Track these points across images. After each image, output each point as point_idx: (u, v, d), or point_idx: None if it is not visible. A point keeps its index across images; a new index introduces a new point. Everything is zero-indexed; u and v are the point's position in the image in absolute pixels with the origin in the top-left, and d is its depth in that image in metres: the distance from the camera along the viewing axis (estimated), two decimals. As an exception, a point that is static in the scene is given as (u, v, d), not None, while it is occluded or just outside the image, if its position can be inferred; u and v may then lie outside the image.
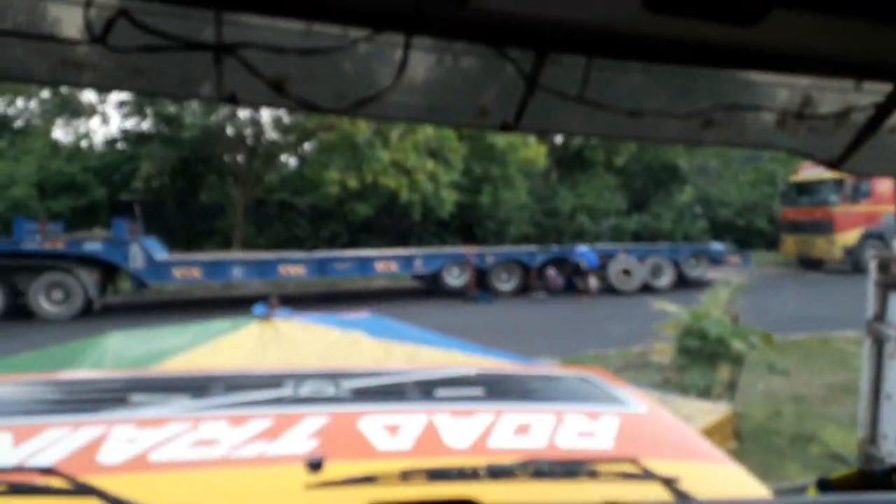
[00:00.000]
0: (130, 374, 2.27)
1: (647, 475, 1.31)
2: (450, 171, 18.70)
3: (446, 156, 18.71)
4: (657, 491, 1.30)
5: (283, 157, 22.99)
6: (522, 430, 1.65)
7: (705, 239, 21.99)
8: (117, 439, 1.46)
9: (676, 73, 1.07)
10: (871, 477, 1.31)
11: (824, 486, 1.31)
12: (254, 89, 0.97)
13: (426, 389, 1.99)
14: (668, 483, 1.31)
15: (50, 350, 3.77)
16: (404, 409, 1.77)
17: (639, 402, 2.01)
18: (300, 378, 1.97)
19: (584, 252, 16.29)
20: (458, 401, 1.88)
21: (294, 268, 15.27)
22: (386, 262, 15.95)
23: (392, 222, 20.34)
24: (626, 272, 16.82)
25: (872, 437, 4.52)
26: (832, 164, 1.21)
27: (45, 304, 13.47)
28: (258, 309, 3.48)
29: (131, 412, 1.65)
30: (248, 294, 16.96)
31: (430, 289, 16.77)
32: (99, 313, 13.62)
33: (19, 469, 1.20)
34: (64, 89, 21.58)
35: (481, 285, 16.00)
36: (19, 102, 22.33)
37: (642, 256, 17.20)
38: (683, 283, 16.79)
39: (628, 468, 1.33)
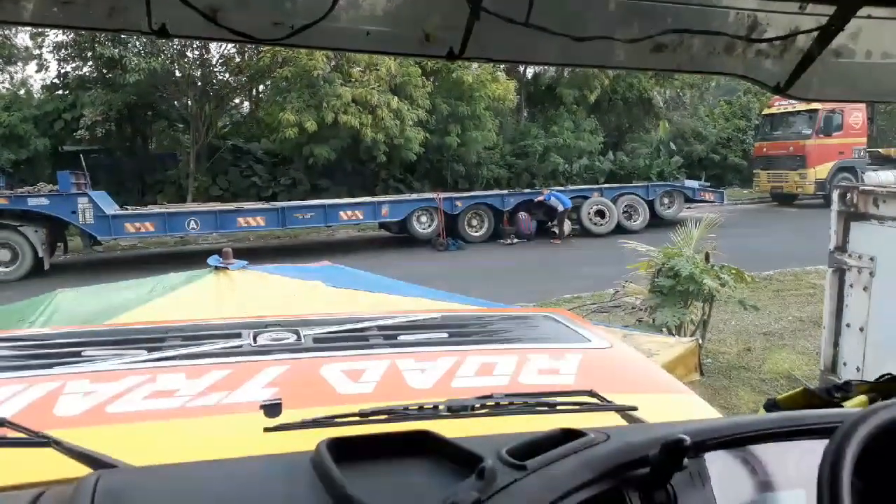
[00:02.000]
0: (84, 329, 2.23)
1: (604, 406, 1.32)
2: (415, 109, 17.81)
3: (411, 92, 17.80)
4: (614, 421, 1.30)
5: (236, 101, 21.89)
6: (486, 370, 1.67)
7: (680, 176, 21.60)
8: (73, 393, 1.44)
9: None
10: (815, 395, 1.34)
11: (771, 406, 1.36)
12: (186, 20, 0.97)
13: (389, 335, 1.99)
14: (625, 412, 1.33)
15: None
16: (367, 355, 1.75)
17: (601, 339, 2.02)
18: (259, 328, 1.95)
19: (556, 194, 15.83)
20: (422, 345, 1.89)
21: (253, 219, 14.63)
22: (351, 210, 15.32)
23: (355, 167, 19.51)
24: (600, 213, 16.40)
25: (833, 366, 4.60)
26: (778, 89, 1.25)
27: (-10, 264, 12.73)
28: (213, 260, 3.41)
29: (86, 366, 1.62)
30: (205, 248, 16.27)
31: (398, 237, 16.20)
32: (49, 273, 12.94)
33: None
34: (-5, 31, 20.09)
35: (451, 232, 15.46)
36: (-51, 47, 20.79)
37: (616, 197, 16.78)
38: (658, 223, 16.46)
39: (586, 399, 1.33)
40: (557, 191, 16.38)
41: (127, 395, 1.45)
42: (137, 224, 13.96)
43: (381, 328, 2.08)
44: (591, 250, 14.13)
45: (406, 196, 16.92)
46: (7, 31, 20.87)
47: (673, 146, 24.53)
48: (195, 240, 16.15)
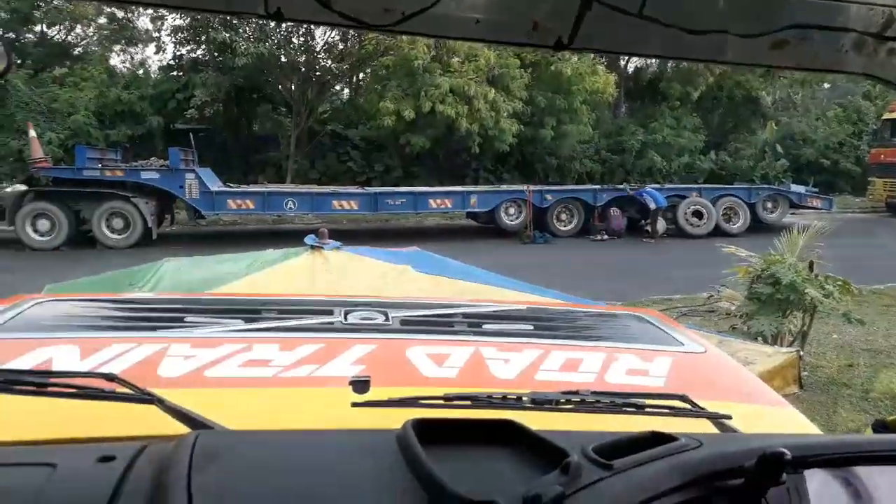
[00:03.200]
0: (187, 296, 2.34)
1: (697, 412, 1.27)
2: (511, 100, 17.69)
3: (508, 83, 17.69)
4: (706, 429, 1.24)
5: (337, 87, 22.46)
6: (571, 365, 1.63)
7: (786, 180, 20.46)
8: (175, 356, 1.51)
9: None
10: None
11: (880, 427, 1.27)
12: (300, 4, 1.01)
13: (474, 323, 1.99)
14: (718, 420, 1.27)
15: (110, 274, 3.96)
16: (452, 341, 1.76)
17: (695, 343, 1.93)
18: (350, 307, 1.98)
19: (651, 192, 15.31)
20: (507, 335, 1.86)
21: (347, 202, 15.00)
22: (441, 198, 15.42)
23: (448, 156, 19.61)
24: (697, 214, 15.76)
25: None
26: None
27: (106, 231, 13.74)
28: (310, 239, 3.55)
29: (188, 332, 1.71)
30: (301, 228, 16.83)
31: (486, 228, 16.18)
32: (156, 242, 13.77)
33: (85, 375, 1.23)
34: (120, 14, 21.44)
35: (539, 225, 15.28)
36: (78, 29, 22.36)
37: (715, 198, 16.07)
38: (759, 228, 15.67)
39: (677, 404, 1.28)
40: (653, 188, 15.86)
41: (224, 362, 1.51)
42: (239, 201, 14.61)
43: (466, 315, 2.08)
44: (685, 252, 13.64)
45: (496, 187, 16.85)
46: (129, 14, 22.26)
47: (780, 149, 23.25)
48: (291, 219, 16.71)
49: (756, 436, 1.14)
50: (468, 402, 1.21)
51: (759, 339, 5.51)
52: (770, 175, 21.32)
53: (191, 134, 15.63)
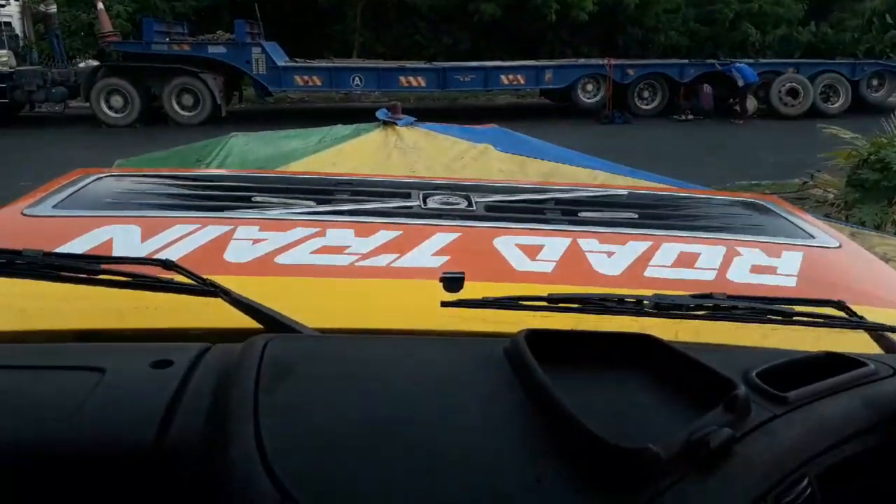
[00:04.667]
0: (256, 174, 2.21)
1: (856, 322, 1.09)
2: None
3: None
4: (864, 342, 1.08)
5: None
6: (686, 260, 1.43)
7: (893, 55, 18.52)
8: (243, 239, 1.40)
9: None
10: None
11: None
12: None
13: (569, 210, 1.81)
14: (884, 334, 1.08)
15: (178, 149, 3.85)
16: (545, 230, 1.57)
17: (828, 236, 1.70)
18: (429, 189, 1.83)
19: (742, 67, 14.14)
20: (607, 224, 1.65)
21: (415, 78, 14.56)
22: (513, 74, 14.73)
23: (521, 27, 18.48)
24: (792, 92, 14.54)
25: None
26: None
27: (177, 108, 13.86)
28: (381, 114, 3.31)
29: (256, 213, 1.58)
30: (368, 106, 16.50)
31: (561, 107, 15.42)
32: (226, 119, 13.82)
33: (140, 261, 1.11)
34: None
35: (619, 103, 14.45)
36: None
37: (814, 74, 14.73)
38: (861, 108, 14.43)
39: (831, 312, 1.09)
40: (743, 63, 14.60)
41: (296, 247, 1.38)
42: (306, 77, 14.34)
43: (559, 201, 1.89)
44: (777, 133, 12.79)
45: (573, 61, 15.87)
46: None
47: (889, 19, 20.91)
48: (358, 97, 16.39)
49: None
50: (578, 306, 1.05)
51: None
52: (877, 49, 19.31)
53: (256, 6, 15.16)
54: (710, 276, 1.38)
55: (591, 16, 17.52)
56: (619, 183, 2.65)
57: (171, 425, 0.71)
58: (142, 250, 1.31)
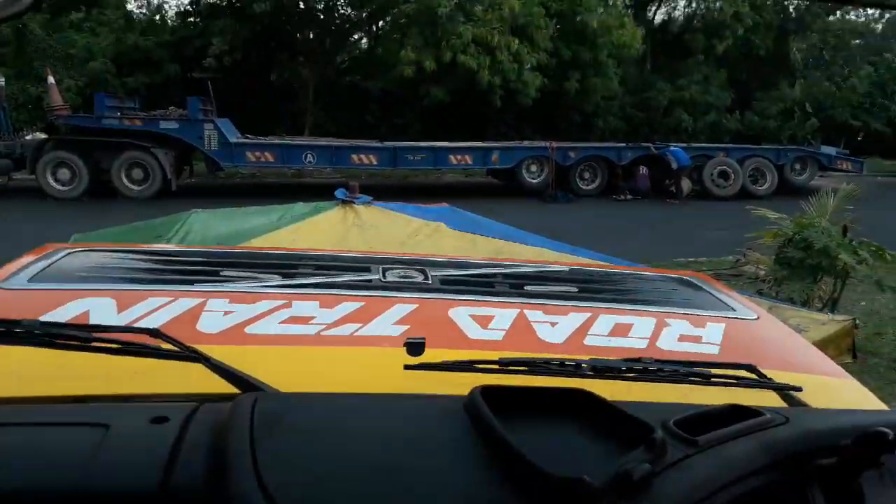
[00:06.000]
0: (221, 249, 2.30)
1: (765, 383, 1.22)
2: (535, 52, 17.26)
3: (532, 34, 17.23)
4: (773, 401, 1.20)
5: (356, 36, 22.04)
6: (621, 330, 1.57)
7: (815, 141, 19.98)
8: (214, 311, 1.47)
9: None
10: None
11: None
12: None
13: (516, 284, 1.93)
14: (787, 392, 1.23)
15: (136, 224, 3.92)
16: (494, 302, 1.69)
17: (748, 309, 1.86)
18: (387, 264, 1.95)
19: (675, 151, 15.00)
20: (551, 297, 1.79)
21: (366, 156, 14.84)
22: (461, 154, 15.22)
23: (468, 110, 19.26)
24: (724, 175, 15.45)
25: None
26: None
27: (126, 182, 13.72)
28: (340, 193, 3.47)
29: (225, 286, 1.66)
30: (320, 182, 16.71)
31: (507, 186, 15.97)
32: (176, 194, 13.70)
33: (129, 329, 1.19)
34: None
35: (562, 184, 15.05)
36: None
37: (742, 158, 15.73)
38: (787, 190, 15.38)
39: (744, 374, 1.23)
40: (677, 147, 15.52)
41: (264, 318, 1.46)
42: (258, 153, 14.47)
43: (507, 276, 2.01)
44: (710, 213, 13.43)
45: (518, 143, 16.56)
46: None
47: (809, 108, 22.64)
48: (310, 173, 16.59)
49: (843, 412, 1.10)
50: (525, 368, 1.16)
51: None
52: (799, 136, 20.81)
53: (209, 83, 15.39)
54: (642, 344, 1.52)
55: (535, 101, 18.40)
56: (562, 260, 2.82)
57: (173, 471, 0.80)
58: (119, 321, 1.37)
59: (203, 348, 1.14)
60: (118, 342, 1.09)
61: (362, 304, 1.58)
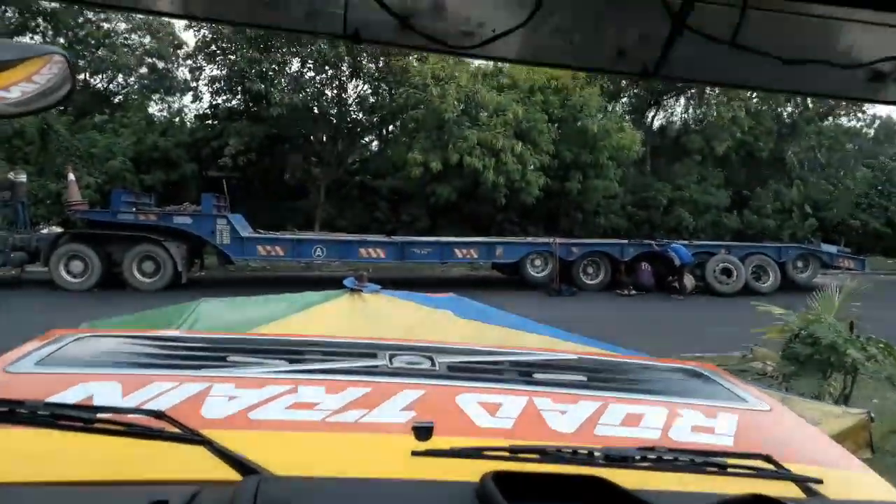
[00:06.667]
0: (229, 336, 2.31)
1: (782, 474, 1.20)
2: (538, 154, 17.89)
3: (535, 138, 17.93)
4: (792, 492, 1.19)
5: (367, 139, 22.89)
6: (632, 420, 1.54)
7: (815, 240, 20.26)
8: (219, 396, 1.47)
9: (844, 20, 1.00)
10: None
11: None
12: (379, 25, 0.99)
13: (524, 371, 1.92)
14: (806, 484, 1.20)
15: (145, 313, 3.91)
16: (503, 389, 1.66)
17: (760, 400, 1.82)
18: (394, 350, 1.94)
19: (677, 248, 15.23)
20: (560, 385, 1.76)
21: (374, 250, 15.09)
22: (466, 248, 15.47)
23: (473, 207, 19.77)
24: (726, 272, 15.61)
25: None
26: None
27: (137, 274, 13.90)
28: (349, 282, 3.48)
29: (231, 371, 1.66)
30: (329, 275, 16.91)
31: (511, 279, 16.14)
32: (186, 286, 13.86)
33: (133, 411, 1.19)
34: (160, 65, 22.17)
35: (565, 278, 15.22)
36: (119, 78, 23.17)
37: (744, 256, 15.93)
38: (789, 287, 15.46)
39: (760, 464, 1.21)
40: (680, 244, 15.78)
41: (269, 403, 1.45)
42: (269, 247, 14.73)
43: (514, 363, 2.01)
44: (714, 309, 13.44)
45: (522, 239, 16.88)
46: (169, 65, 23.04)
47: (808, 208, 23.11)
48: (319, 266, 16.80)
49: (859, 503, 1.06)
50: (536, 456, 1.14)
51: (799, 401, 5.33)
52: (798, 234, 21.12)
53: (224, 181, 15.90)
54: (654, 434, 1.47)
55: (537, 199, 18.89)
56: (569, 348, 2.79)
57: None
58: (124, 405, 1.36)
59: (207, 433, 1.13)
60: (121, 423, 1.09)
61: (369, 389, 1.56)
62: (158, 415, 1.11)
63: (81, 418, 1.08)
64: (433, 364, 1.83)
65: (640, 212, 21.08)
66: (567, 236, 17.85)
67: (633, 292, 15.05)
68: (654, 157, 24.01)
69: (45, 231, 14.64)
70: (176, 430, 1.11)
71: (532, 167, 17.81)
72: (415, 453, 1.14)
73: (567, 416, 1.53)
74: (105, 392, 1.44)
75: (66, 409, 1.13)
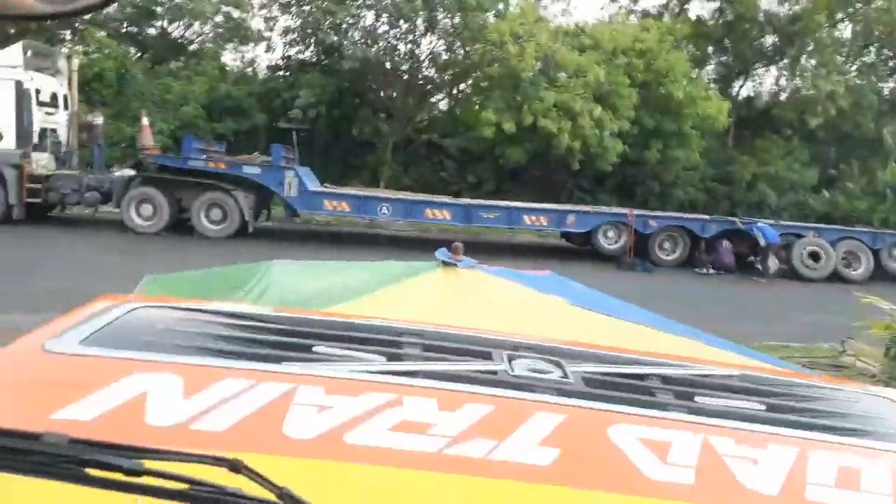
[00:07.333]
0: (310, 315, 1.93)
1: None
2: (618, 120, 17.04)
3: (616, 102, 17.08)
4: None
5: (437, 97, 22.49)
6: (849, 477, 1.14)
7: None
8: (304, 404, 1.16)
9: None
10: None
11: None
12: None
13: (683, 393, 1.49)
14: None
15: (212, 271, 3.70)
16: (666, 420, 1.27)
17: None
18: (511, 349, 1.57)
19: (763, 227, 14.33)
20: (735, 417, 1.33)
21: (441, 211, 14.81)
22: (536, 215, 15.02)
23: (544, 173, 19.12)
24: (814, 256, 14.61)
25: None
26: None
27: (204, 221, 14.07)
28: (441, 254, 3.06)
29: (318, 368, 1.33)
30: (393, 234, 16.71)
31: (580, 250, 15.55)
32: (252, 236, 13.95)
33: (201, 459, 0.80)
34: (235, 14, 22.15)
35: (639, 252, 14.53)
36: (195, 26, 23.28)
37: (835, 240, 14.87)
38: (883, 277, 14.43)
39: None
40: (765, 223, 14.83)
41: (369, 420, 1.13)
42: (335, 203, 14.65)
43: (665, 379, 1.59)
44: (799, 295, 12.69)
45: (596, 208, 16.21)
46: (244, 15, 23.00)
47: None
48: (383, 225, 16.63)
49: None
50: None
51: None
52: (891, 220, 19.68)
53: (294, 133, 15.79)
54: (886, 502, 1.11)
55: (613, 168, 18.16)
56: (718, 357, 2.29)
57: None
58: (183, 411, 1.09)
59: (291, 464, 0.90)
60: (182, 479, 0.77)
61: (492, 408, 1.23)
62: (235, 466, 0.78)
63: (122, 468, 0.76)
64: (564, 374, 1.46)
65: (720, 186, 20.01)
66: (641, 208, 17.05)
67: (712, 271, 14.30)
68: (738, 130, 22.71)
69: (118, 173, 14.87)
70: (262, 490, 0.78)
71: (609, 133, 16.98)
72: None
73: (761, 469, 1.15)
74: (160, 391, 1.15)
75: (100, 453, 0.78)
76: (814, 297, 12.24)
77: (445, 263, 2.99)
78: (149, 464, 0.77)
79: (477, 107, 17.60)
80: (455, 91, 22.44)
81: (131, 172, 14.83)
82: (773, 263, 14.32)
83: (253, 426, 1.07)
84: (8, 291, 7.91)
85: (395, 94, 20.25)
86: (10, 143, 13.49)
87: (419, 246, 15.54)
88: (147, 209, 13.93)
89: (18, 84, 13.49)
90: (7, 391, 1.15)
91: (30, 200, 13.51)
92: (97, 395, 1.09)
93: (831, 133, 21.95)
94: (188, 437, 1.01)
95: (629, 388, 1.47)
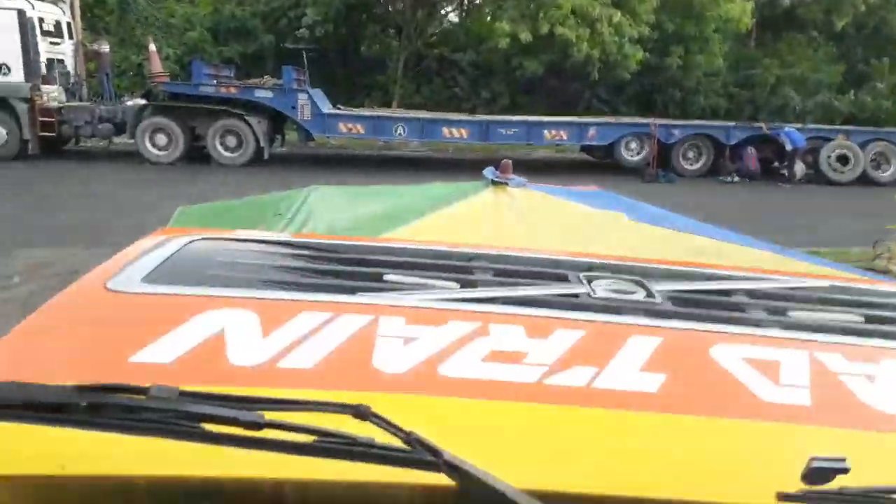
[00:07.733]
0: (370, 243, 1.81)
1: None
2: (638, 25, 16.37)
3: (635, 6, 16.35)
4: None
5: (447, 9, 21.65)
6: None
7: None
8: (388, 336, 1.08)
9: None
10: None
11: None
12: None
13: (775, 308, 1.37)
14: None
15: (248, 200, 3.62)
16: (766, 338, 1.18)
17: None
18: (585, 270, 1.48)
19: (790, 132, 13.96)
20: (836, 332, 1.24)
21: (458, 130, 14.51)
22: (556, 129, 14.67)
23: (559, 84, 18.53)
24: (842, 159, 14.28)
25: None
26: None
27: (220, 148, 13.90)
28: (489, 172, 2.87)
29: (394, 298, 1.25)
30: (409, 155, 16.49)
31: (601, 163, 15.29)
32: (268, 162, 13.83)
33: (325, 406, 0.72)
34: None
35: (663, 163, 14.26)
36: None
37: (864, 142, 14.49)
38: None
39: None
40: (791, 128, 14.43)
41: (460, 351, 1.05)
42: (350, 125, 14.38)
43: (753, 294, 1.48)
44: (828, 199, 12.50)
45: (617, 119, 15.81)
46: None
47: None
48: (398, 145, 16.39)
49: None
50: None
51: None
52: (920, 120, 19.11)
53: (304, 53, 15.33)
54: None
55: (631, 76, 17.59)
56: (801, 268, 2.11)
57: None
58: (265, 349, 1.01)
59: (388, 399, 0.82)
60: (309, 431, 0.69)
61: (582, 332, 1.14)
62: (361, 413, 0.70)
63: (241, 422, 0.68)
64: (649, 294, 1.36)
65: (743, 91, 19.35)
66: (661, 117, 16.60)
67: (737, 179, 14.07)
68: (760, 31, 21.77)
69: (129, 103, 14.63)
70: (393, 438, 0.70)
71: (629, 39, 16.34)
72: (784, 497, 0.73)
73: (880, 385, 1.06)
74: (238, 327, 1.07)
75: (213, 406, 0.70)
76: (842, 201, 12.07)
77: (495, 183, 2.81)
78: (269, 415, 0.69)
79: (489, 17, 16.86)
80: (466, 2, 21.62)
81: (142, 102, 14.57)
82: (799, 168, 14.06)
83: (343, 362, 1.00)
84: (32, 225, 7.95)
85: (403, 7, 19.50)
86: (18, 75, 13.20)
87: (437, 165, 15.38)
88: (161, 139, 13.76)
89: (21, 13, 13.07)
90: (76, 336, 1.10)
91: (43, 134, 13.35)
92: (172, 336, 1.02)
93: (858, 31, 21.00)
94: (278, 376, 0.94)
95: (719, 305, 1.39)
